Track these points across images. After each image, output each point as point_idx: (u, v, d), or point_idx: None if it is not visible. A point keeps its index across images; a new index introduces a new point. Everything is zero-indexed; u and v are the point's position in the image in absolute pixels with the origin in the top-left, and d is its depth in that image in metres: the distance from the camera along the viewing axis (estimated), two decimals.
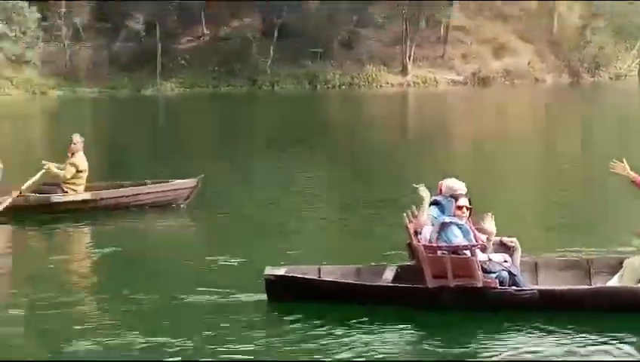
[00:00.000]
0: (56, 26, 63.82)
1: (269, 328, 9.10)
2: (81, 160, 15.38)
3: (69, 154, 15.40)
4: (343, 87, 64.17)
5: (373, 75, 65.96)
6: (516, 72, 67.81)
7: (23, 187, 14.96)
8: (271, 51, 65.20)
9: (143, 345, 8.52)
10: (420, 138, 32.04)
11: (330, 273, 10.19)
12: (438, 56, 68.91)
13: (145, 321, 9.33)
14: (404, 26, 67.17)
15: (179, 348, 8.42)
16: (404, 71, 67.01)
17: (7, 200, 14.64)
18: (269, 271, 9.90)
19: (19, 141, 31.53)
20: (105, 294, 10.44)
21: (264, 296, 9.84)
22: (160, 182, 15.90)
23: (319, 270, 10.24)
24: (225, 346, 8.51)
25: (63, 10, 63.55)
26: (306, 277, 9.96)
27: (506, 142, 28.62)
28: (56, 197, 15.02)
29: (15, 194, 14.80)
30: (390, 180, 19.89)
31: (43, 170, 15.31)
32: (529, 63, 68.58)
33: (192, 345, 8.53)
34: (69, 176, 15.21)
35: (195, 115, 44.68)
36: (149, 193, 15.62)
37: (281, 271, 9.91)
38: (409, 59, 67.01)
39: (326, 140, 30.73)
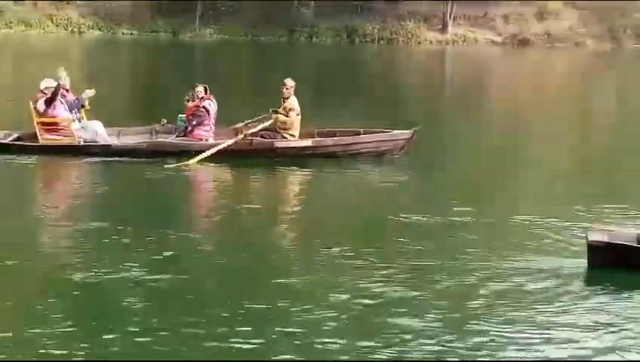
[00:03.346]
0: None
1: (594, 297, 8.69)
2: (296, 104, 15.34)
3: (282, 99, 15.39)
4: (382, 41, 63.76)
5: (413, 31, 65.49)
6: (557, 36, 67.06)
7: (249, 131, 15.06)
8: (312, 3, 64.84)
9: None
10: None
11: None
12: (480, 16, 68.22)
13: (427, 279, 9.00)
14: None
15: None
16: (444, 28, 66.47)
17: (230, 142, 14.78)
18: (594, 236, 9.34)
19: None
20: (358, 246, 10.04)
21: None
22: (376, 132, 15.64)
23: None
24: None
25: None
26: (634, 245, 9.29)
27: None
28: (280, 143, 15.04)
29: (240, 136, 14.88)
30: None
31: (271, 120, 15.31)
32: (570, 28, 67.78)
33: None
34: (292, 121, 15.24)
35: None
36: (366, 142, 15.40)
37: (605, 238, 9.33)
38: (450, 16, 66.44)
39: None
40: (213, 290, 8.42)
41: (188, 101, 15.31)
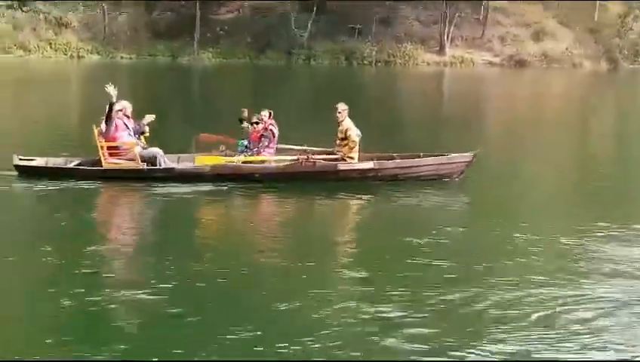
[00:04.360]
0: None
1: None
2: (352, 126, 15.29)
3: (337, 124, 15.34)
4: (379, 63, 64.00)
5: (410, 53, 65.77)
6: (554, 57, 67.47)
7: (316, 156, 15.09)
8: (309, 25, 65.16)
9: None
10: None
11: None
12: (477, 37, 68.63)
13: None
14: (444, 6, 66.86)
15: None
16: (441, 50, 66.78)
17: (291, 158, 15.00)
18: None
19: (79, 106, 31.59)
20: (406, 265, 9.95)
21: None
22: (436, 155, 15.56)
23: None
24: None
25: None
26: None
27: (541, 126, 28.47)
28: (343, 165, 14.99)
29: (304, 158, 14.95)
30: None
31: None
32: (567, 48, 68.21)
33: None
34: (355, 144, 15.21)
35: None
36: (426, 165, 15.32)
37: None
38: (447, 38, 66.78)
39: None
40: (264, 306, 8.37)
41: (252, 125, 15.45)
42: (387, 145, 16.55)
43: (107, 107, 14.81)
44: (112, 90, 14.66)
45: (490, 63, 66.41)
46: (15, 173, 14.65)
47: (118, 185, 14.26)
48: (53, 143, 18.62)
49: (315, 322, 7.99)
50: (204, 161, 14.71)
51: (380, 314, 8.22)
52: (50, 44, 60.31)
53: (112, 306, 8.31)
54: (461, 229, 11.86)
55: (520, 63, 66.25)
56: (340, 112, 15.33)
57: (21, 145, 16.75)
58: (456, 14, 67.56)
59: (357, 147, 15.22)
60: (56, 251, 10.09)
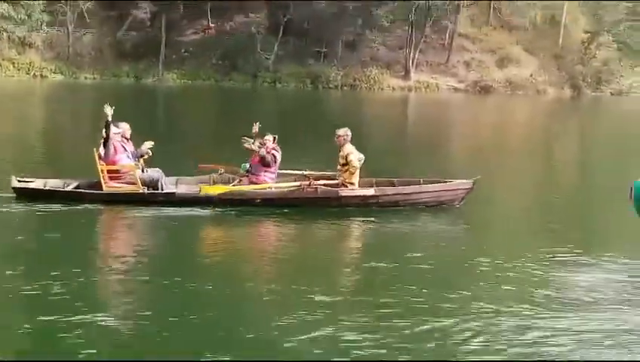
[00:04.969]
0: (61, 11, 63.53)
1: None
2: (354, 150, 15.19)
3: (338, 149, 15.25)
4: (345, 88, 64.11)
5: (376, 78, 65.95)
6: (518, 83, 68.04)
7: (317, 181, 14.98)
8: (275, 48, 65.18)
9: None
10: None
11: None
12: (442, 63, 69.04)
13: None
14: (410, 31, 67.20)
15: None
16: (406, 75, 67.06)
17: (292, 184, 14.96)
18: None
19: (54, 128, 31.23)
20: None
21: None
22: (436, 182, 15.52)
23: None
24: None
25: None
26: None
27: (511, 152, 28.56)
28: (345, 191, 14.86)
29: (306, 183, 14.86)
30: None
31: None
32: (531, 75, 68.85)
33: None
34: (355, 170, 15.10)
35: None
36: (428, 192, 15.24)
37: None
38: (412, 63, 67.08)
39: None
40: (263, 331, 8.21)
41: (260, 147, 15.35)
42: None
43: (104, 128, 14.60)
44: (109, 110, 14.48)
45: (455, 89, 66.80)
46: (13, 194, 14.39)
47: (118, 208, 14.09)
48: (31, 162, 18.47)
49: (308, 344, 7.96)
50: (209, 190, 14.45)
51: (370, 337, 8.19)
52: (13, 63, 59.72)
53: (112, 326, 8.28)
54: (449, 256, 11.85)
55: (484, 89, 66.70)
56: (338, 137, 15.26)
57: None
58: (422, 39, 67.91)
59: (358, 172, 15.15)
60: (54, 273, 9.88)
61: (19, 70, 59.48)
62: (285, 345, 7.97)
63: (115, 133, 14.68)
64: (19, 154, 21.36)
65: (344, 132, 15.30)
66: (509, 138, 34.09)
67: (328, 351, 7.87)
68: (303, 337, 8.15)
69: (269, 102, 51.15)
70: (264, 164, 15.27)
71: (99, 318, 8.45)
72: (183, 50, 66.00)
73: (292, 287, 9.86)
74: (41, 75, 59.79)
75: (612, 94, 70.61)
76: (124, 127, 15.07)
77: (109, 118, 14.58)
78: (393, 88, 65.57)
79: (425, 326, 8.60)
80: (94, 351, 7.69)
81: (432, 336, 8.37)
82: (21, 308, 8.89)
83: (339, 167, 15.30)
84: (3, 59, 59.52)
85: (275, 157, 15.36)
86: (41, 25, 61.78)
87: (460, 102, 58.70)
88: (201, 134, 27.49)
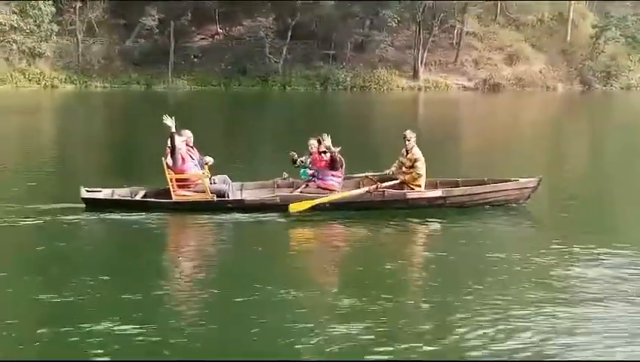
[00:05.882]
0: (70, 21, 63.74)
1: None
2: (420, 154, 15.31)
3: (404, 151, 15.36)
4: (354, 89, 64.16)
5: (385, 78, 66.03)
6: (527, 80, 68.04)
7: (384, 184, 15.00)
8: (284, 51, 65.28)
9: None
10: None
11: None
12: (450, 62, 69.11)
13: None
14: (418, 31, 67.27)
15: None
16: (415, 75, 67.12)
17: (361, 191, 14.85)
18: None
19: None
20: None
21: None
22: (502, 181, 15.51)
23: None
24: None
25: (78, 4, 63.58)
26: None
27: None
28: (412, 194, 14.95)
29: (373, 187, 14.84)
30: None
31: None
32: (540, 71, 68.83)
33: None
34: (419, 176, 15.25)
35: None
36: (495, 191, 15.28)
37: None
38: (421, 63, 67.15)
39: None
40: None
41: (321, 153, 15.32)
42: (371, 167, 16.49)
43: (169, 139, 14.71)
44: (169, 121, 14.58)
45: (464, 87, 66.83)
46: (82, 205, 14.45)
47: (187, 216, 14.16)
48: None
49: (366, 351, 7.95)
50: (298, 208, 14.31)
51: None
52: (24, 74, 59.92)
53: (187, 331, 8.40)
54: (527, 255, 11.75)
55: (494, 87, 66.71)
56: (409, 140, 15.37)
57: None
58: (430, 39, 67.97)
59: (425, 174, 15.28)
60: (124, 281, 10.03)
61: (30, 80, 59.66)
62: (367, 348, 8.01)
63: (180, 142, 14.78)
64: (81, 166, 21.57)
65: (412, 134, 15.45)
66: (539, 135, 33.76)
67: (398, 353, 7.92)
68: (380, 339, 8.19)
69: (282, 106, 51.11)
70: (332, 167, 15.20)
71: (171, 323, 8.56)
72: (192, 56, 66.13)
73: (368, 292, 9.82)
74: (52, 85, 59.97)
75: (622, 88, 70.53)
76: (187, 135, 15.15)
77: (173, 129, 14.65)
78: (403, 88, 65.62)
79: (489, 329, 8.63)
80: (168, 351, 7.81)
81: (505, 336, 8.42)
82: (98, 316, 8.84)
83: (404, 169, 15.41)
84: (14, 71, 59.71)
85: (341, 161, 15.28)
86: (51, 35, 61.93)
87: (471, 100, 58.55)
88: (259, 139, 27.30)
